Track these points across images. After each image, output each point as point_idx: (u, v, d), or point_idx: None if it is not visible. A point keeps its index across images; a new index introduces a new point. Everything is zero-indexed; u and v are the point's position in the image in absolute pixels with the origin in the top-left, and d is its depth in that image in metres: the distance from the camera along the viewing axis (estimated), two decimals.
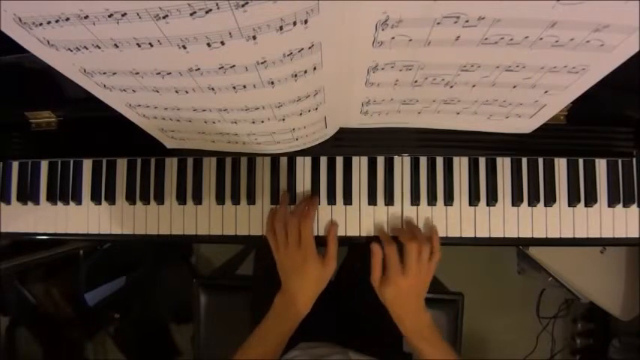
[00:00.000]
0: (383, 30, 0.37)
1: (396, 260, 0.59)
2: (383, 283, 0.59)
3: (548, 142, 0.62)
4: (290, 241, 0.60)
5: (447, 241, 0.65)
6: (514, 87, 0.46)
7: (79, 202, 0.69)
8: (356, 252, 0.90)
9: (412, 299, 0.60)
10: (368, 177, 0.66)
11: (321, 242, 0.63)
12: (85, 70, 0.41)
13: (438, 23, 0.36)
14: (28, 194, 0.70)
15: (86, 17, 0.32)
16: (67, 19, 0.32)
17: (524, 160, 0.65)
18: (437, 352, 0.59)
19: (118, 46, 0.35)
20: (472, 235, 0.65)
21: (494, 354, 1.50)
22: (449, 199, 0.65)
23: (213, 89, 0.41)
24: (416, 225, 0.65)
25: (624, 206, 0.65)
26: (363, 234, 0.66)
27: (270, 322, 0.61)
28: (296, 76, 0.41)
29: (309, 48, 0.37)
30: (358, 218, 0.66)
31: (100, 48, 0.36)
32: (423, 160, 0.66)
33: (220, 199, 0.67)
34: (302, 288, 0.60)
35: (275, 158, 0.67)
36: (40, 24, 0.33)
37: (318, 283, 0.61)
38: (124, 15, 0.31)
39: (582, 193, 0.65)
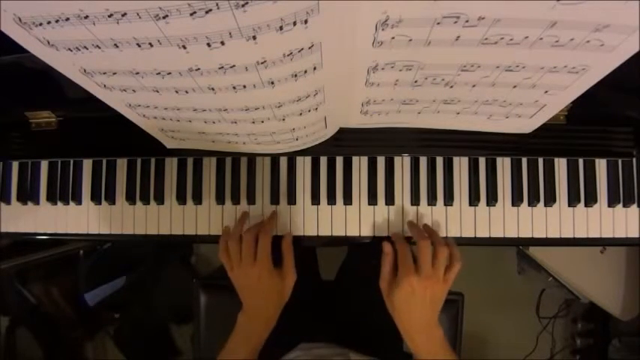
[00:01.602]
0: (383, 30, 0.37)
1: (409, 258, 0.55)
2: (393, 285, 0.56)
3: (548, 142, 0.62)
4: (244, 259, 0.57)
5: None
6: (514, 87, 0.46)
7: (79, 202, 0.69)
8: (356, 252, 0.90)
9: (425, 306, 0.54)
10: (368, 177, 0.66)
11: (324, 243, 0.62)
12: (85, 70, 0.41)
13: (438, 23, 0.36)
14: (28, 194, 0.70)
15: (86, 17, 0.32)
16: (67, 19, 0.32)
17: (524, 160, 0.65)
18: None
19: (118, 46, 0.35)
20: (472, 235, 0.65)
21: (494, 354, 1.50)
22: (449, 199, 0.65)
23: (213, 89, 0.41)
24: (434, 230, 0.62)
25: (624, 206, 0.65)
26: (363, 234, 0.66)
27: (235, 341, 0.58)
28: (296, 76, 0.41)
29: (309, 48, 0.37)
30: (358, 218, 0.66)
31: (100, 48, 0.36)
32: (423, 160, 0.66)
33: (220, 199, 0.67)
34: (262, 306, 0.58)
35: (275, 158, 0.67)
36: (40, 24, 0.33)
37: (277, 297, 0.59)
38: (124, 15, 0.31)
39: (582, 193, 0.65)
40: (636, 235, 0.64)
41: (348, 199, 0.65)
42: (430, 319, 0.55)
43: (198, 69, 0.38)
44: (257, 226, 0.61)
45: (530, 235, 0.65)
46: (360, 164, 0.66)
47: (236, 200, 0.67)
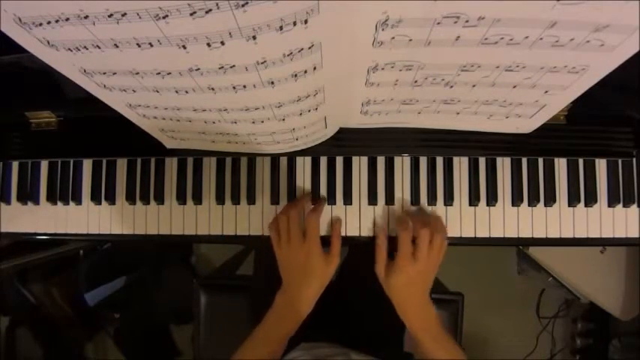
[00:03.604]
0: (383, 30, 0.37)
1: (408, 246, 0.57)
2: (390, 270, 0.58)
3: (548, 142, 0.62)
4: (293, 236, 0.58)
5: (447, 241, 0.65)
6: (514, 87, 0.46)
7: (79, 202, 0.69)
8: (357, 252, 0.90)
9: (419, 289, 0.59)
10: (368, 177, 0.66)
11: (323, 243, 0.63)
12: (85, 70, 0.41)
13: (438, 23, 0.36)
14: (28, 194, 0.70)
15: (86, 17, 0.32)
16: (67, 19, 0.32)
17: (524, 160, 0.65)
18: (445, 352, 0.57)
19: (118, 46, 0.35)
20: (472, 235, 0.65)
21: (494, 354, 1.50)
22: (449, 199, 0.65)
23: (213, 89, 0.41)
24: (428, 212, 0.64)
25: (624, 206, 0.65)
26: (364, 234, 0.66)
27: (271, 321, 0.59)
28: (296, 76, 0.41)
29: (309, 48, 0.37)
30: (358, 218, 0.66)
31: (100, 48, 0.36)
32: (423, 160, 0.66)
33: (220, 199, 0.67)
34: (304, 285, 0.58)
35: (275, 158, 0.67)
36: (40, 24, 0.33)
37: (320, 279, 0.59)
38: (124, 15, 0.31)
39: (582, 193, 0.65)
40: (636, 235, 0.64)
41: (348, 199, 0.65)
42: (423, 299, 0.59)
43: (198, 69, 0.38)
44: (303, 205, 0.61)
45: (530, 235, 0.65)
46: (360, 164, 0.66)
47: (236, 200, 0.67)
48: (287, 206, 0.62)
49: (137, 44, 0.35)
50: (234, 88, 0.41)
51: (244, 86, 0.41)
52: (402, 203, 0.66)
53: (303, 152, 0.62)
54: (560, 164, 0.65)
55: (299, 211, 0.60)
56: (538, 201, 0.64)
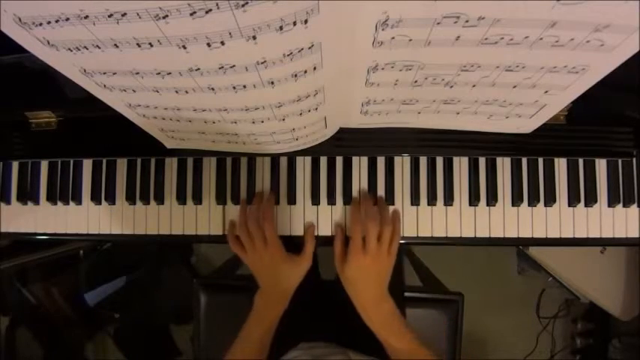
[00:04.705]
0: (383, 30, 0.37)
1: (358, 238, 0.59)
2: (344, 262, 0.60)
3: (548, 142, 0.62)
4: (256, 244, 0.61)
5: (447, 241, 0.65)
6: (514, 87, 0.46)
7: (79, 202, 0.69)
8: None
9: (372, 282, 0.59)
10: (368, 177, 0.66)
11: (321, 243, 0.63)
12: (85, 70, 0.41)
13: (438, 23, 0.36)
14: (28, 194, 0.70)
15: (86, 17, 0.32)
16: (67, 19, 0.32)
17: (524, 160, 0.65)
18: (404, 343, 0.58)
19: (118, 46, 0.35)
20: (472, 235, 0.65)
21: (494, 354, 1.50)
22: (449, 199, 0.65)
23: (213, 89, 0.41)
24: (386, 206, 0.65)
25: (624, 206, 0.65)
26: None
27: (251, 321, 0.62)
28: (296, 76, 0.41)
29: (309, 48, 0.37)
30: None
31: (100, 48, 0.36)
32: (423, 160, 0.66)
33: (220, 199, 0.67)
34: (276, 285, 0.62)
35: (275, 158, 0.67)
36: (40, 24, 0.33)
37: (290, 278, 0.62)
38: (124, 15, 0.31)
39: (582, 193, 0.65)
40: (636, 235, 0.64)
41: (348, 199, 0.65)
42: (378, 292, 0.59)
43: (198, 69, 0.38)
44: (256, 213, 0.63)
45: (530, 235, 0.65)
46: (360, 164, 0.66)
47: (236, 200, 0.67)
48: (241, 218, 0.64)
49: (137, 44, 0.35)
50: (234, 88, 0.41)
51: (244, 86, 0.41)
52: (402, 203, 0.66)
53: (303, 152, 0.62)
54: (560, 164, 0.65)
55: (254, 218, 0.62)
56: (538, 201, 0.64)
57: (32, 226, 0.70)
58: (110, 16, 0.31)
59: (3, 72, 0.54)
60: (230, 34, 0.33)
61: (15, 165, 0.70)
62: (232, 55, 0.36)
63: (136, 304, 1.48)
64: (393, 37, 0.38)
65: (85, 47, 0.36)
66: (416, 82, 0.46)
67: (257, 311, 0.62)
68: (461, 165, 0.66)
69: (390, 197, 0.65)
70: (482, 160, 0.65)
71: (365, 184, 0.66)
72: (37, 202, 0.70)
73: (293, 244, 0.64)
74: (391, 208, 0.65)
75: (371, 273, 0.59)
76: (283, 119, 0.49)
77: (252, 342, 0.61)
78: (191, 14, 0.31)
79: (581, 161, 0.65)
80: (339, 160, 0.66)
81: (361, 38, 0.38)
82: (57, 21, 0.32)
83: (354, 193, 0.66)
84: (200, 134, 0.56)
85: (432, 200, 0.65)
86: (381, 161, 0.66)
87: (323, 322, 0.77)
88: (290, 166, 0.66)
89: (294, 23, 0.33)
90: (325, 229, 0.66)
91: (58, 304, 1.43)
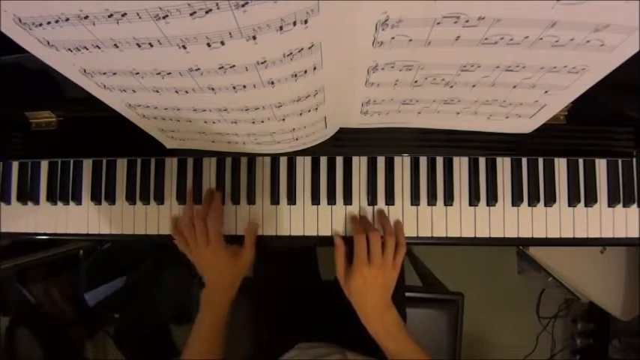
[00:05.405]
0: (383, 30, 0.37)
1: (363, 250, 0.59)
2: (348, 275, 0.60)
3: (548, 142, 0.62)
4: (199, 242, 0.62)
5: (447, 241, 0.65)
6: (514, 87, 0.46)
7: (79, 202, 0.69)
8: None
9: (377, 292, 0.59)
10: (368, 177, 0.66)
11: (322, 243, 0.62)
12: (85, 70, 0.41)
13: (438, 23, 0.36)
14: (28, 194, 0.70)
15: (86, 17, 0.32)
16: (67, 20, 0.32)
17: (524, 160, 0.65)
18: (405, 352, 0.58)
19: (118, 46, 0.35)
20: (472, 235, 0.65)
21: (494, 354, 1.50)
22: (449, 199, 0.65)
23: (213, 89, 0.41)
24: (387, 218, 0.65)
25: (624, 206, 0.65)
26: None
27: (201, 316, 0.63)
28: (296, 76, 0.41)
29: (309, 48, 0.37)
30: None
31: (100, 48, 0.36)
32: (423, 160, 0.66)
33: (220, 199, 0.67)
34: (219, 280, 0.64)
35: (275, 158, 0.67)
36: (40, 24, 0.33)
37: (231, 274, 0.64)
38: (124, 15, 0.31)
39: (582, 193, 0.65)
40: (636, 235, 0.64)
41: (348, 199, 0.65)
42: (383, 303, 0.60)
43: (198, 69, 0.38)
44: (204, 211, 0.64)
45: (530, 235, 0.65)
46: (360, 164, 0.66)
47: (236, 200, 0.67)
48: (186, 215, 0.65)
49: (137, 44, 0.35)
50: (234, 88, 0.41)
51: (244, 86, 0.41)
52: (401, 203, 0.66)
53: (303, 152, 0.62)
54: (560, 164, 0.65)
55: (198, 217, 0.63)
56: (538, 201, 0.64)
57: (32, 226, 0.70)
58: (110, 16, 0.31)
59: (3, 72, 0.54)
60: (230, 34, 0.33)
61: (15, 165, 0.70)
62: (232, 55, 0.36)
63: (135, 304, 1.48)
64: (393, 37, 0.38)
65: (84, 47, 0.36)
66: (416, 82, 0.46)
67: (204, 308, 0.63)
68: (461, 165, 0.66)
69: (390, 197, 0.65)
70: (482, 160, 0.65)
71: (365, 184, 0.66)
72: (37, 202, 0.70)
73: (293, 245, 0.64)
74: (392, 216, 0.66)
75: (376, 284, 0.59)
76: (283, 119, 0.49)
77: (202, 339, 0.62)
78: (191, 14, 0.31)
79: (581, 161, 0.65)
80: (339, 160, 0.66)
81: (361, 38, 0.38)
82: (57, 21, 0.32)
83: (354, 193, 0.66)
84: (200, 134, 0.56)
85: (432, 200, 0.65)
86: (381, 161, 0.66)
87: (323, 322, 0.77)
88: (290, 166, 0.66)
89: (294, 23, 0.33)
90: (325, 229, 0.66)
91: (58, 304, 1.43)
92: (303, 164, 0.67)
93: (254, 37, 0.34)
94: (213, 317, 0.63)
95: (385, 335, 0.59)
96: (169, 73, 0.39)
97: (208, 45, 0.34)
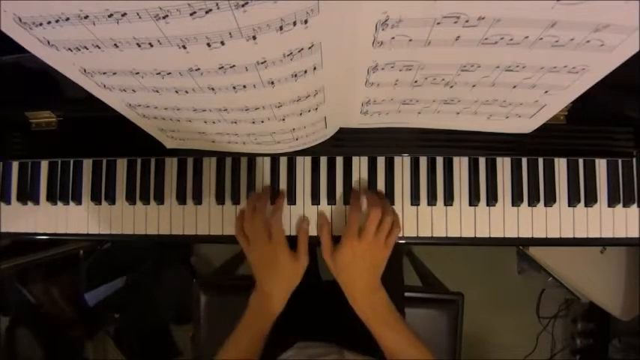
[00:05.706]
0: (383, 30, 0.37)
1: (355, 223, 0.58)
2: (335, 249, 0.58)
3: (548, 142, 0.62)
4: (259, 238, 0.59)
5: (447, 241, 0.65)
6: (514, 87, 0.46)
7: (79, 202, 0.69)
8: None
9: (365, 269, 0.57)
10: (368, 177, 0.66)
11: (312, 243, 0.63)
12: (85, 70, 0.41)
13: (438, 23, 0.36)
14: (28, 194, 0.70)
15: (86, 17, 0.32)
16: (67, 19, 0.32)
17: (524, 160, 0.65)
18: (397, 336, 0.56)
19: (118, 46, 0.35)
20: (472, 235, 0.65)
21: (494, 354, 1.50)
22: (449, 199, 0.65)
23: (213, 89, 0.41)
24: (384, 195, 0.64)
25: (624, 206, 0.65)
26: None
27: (246, 321, 0.60)
28: (296, 76, 0.41)
29: (309, 48, 0.37)
30: None
31: (100, 48, 0.36)
32: (423, 160, 0.66)
33: (220, 199, 0.67)
34: (275, 284, 0.60)
35: (275, 158, 0.67)
36: (40, 24, 0.33)
37: (290, 278, 0.60)
38: (124, 15, 0.31)
39: (582, 193, 0.65)
40: (636, 235, 0.64)
41: (348, 200, 0.65)
42: (372, 282, 0.58)
43: (198, 69, 0.38)
44: (265, 207, 0.62)
45: (530, 235, 0.65)
46: (360, 164, 0.66)
47: (236, 200, 0.67)
48: (248, 209, 0.63)
49: (137, 44, 0.35)
50: (234, 88, 0.41)
51: (244, 86, 0.41)
52: (401, 203, 0.66)
53: (303, 152, 0.62)
54: (560, 164, 0.65)
55: (261, 212, 0.61)
56: (538, 201, 0.64)
57: (32, 226, 0.70)
58: (110, 16, 0.31)
59: (3, 72, 0.54)
60: (230, 34, 0.33)
61: (15, 165, 0.70)
62: (232, 55, 0.36)
63: (135, 304, 1.48)
64: (393, 37, 0.38)
65: (85, 47, 0.36)
66: (416, 82, 0.46)
67: (253, 311, 0.61)
68: (461, 165, 0.66)
69: (390, 197, 0.65)
70: (482, 160, 0.65)
71: (365, 184, 0.66)
72: (37, 202, 0.70)
73: (293, 245, 0.64)
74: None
75: (365, 259, 0.57)
76: (283, 119, 0.49)
77: (245, 343, 0.59)
78: (191, 14, 0.31)
79: (581, 161, 0.65)
80: (339, 160, 0.66)
81: (361, 38, 0.38)
82: (57, 21, 0.32)
83: (354, 184, 0.66)
84: (200, 134, 0.56)
85: (432, 200, 0.65)
86: (381, 161, 0.66)
87: (322, 322, 0.77)
88: (290, 166, 0.66)
89: (294, 23, 0.33)
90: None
91: (58, 304, 1.43)
92: (303, 164, 0.67)
93: (254, 37, 0.34)
94: (260, 327, 0.59)
95: (375, 318, 0.57)
96: (169, 73, 0.39)
97: (208, 45, 0.34)
